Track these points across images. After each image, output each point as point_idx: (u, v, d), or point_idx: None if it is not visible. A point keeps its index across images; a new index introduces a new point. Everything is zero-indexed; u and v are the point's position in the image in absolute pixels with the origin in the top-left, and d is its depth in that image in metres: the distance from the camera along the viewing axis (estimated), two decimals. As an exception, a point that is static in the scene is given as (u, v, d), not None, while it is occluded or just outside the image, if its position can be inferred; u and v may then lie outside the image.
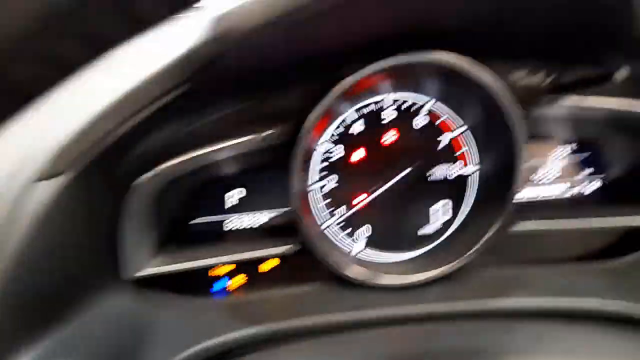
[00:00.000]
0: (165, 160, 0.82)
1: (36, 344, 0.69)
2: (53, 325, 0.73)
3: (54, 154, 0.65)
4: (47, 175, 0.66)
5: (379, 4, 0.69)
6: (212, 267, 0.97)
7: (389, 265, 1.02)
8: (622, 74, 0.81)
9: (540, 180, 1.11)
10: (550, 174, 1.11)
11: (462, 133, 1.03)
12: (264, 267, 1.04)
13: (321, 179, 1.02)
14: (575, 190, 1.12)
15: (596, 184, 1.11)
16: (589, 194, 1.11)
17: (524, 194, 1.11)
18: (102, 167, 0.74)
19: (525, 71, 0.96)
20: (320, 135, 0.99)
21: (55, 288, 0.73)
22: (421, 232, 1.06)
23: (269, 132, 0.84)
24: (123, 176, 0.81)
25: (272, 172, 1.00)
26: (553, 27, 0.86)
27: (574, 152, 1.10)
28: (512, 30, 0.89)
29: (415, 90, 1.01)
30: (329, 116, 0.95)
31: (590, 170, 1.11)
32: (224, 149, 0.84)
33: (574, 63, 0.94)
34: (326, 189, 1.02)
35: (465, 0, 0.76)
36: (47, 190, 0.66)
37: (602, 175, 1.11)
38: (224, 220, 1.05)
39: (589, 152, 1.10)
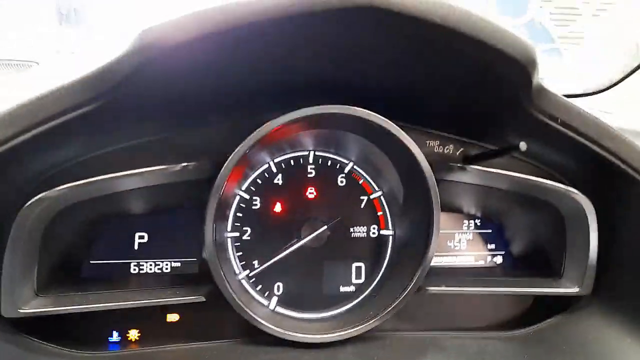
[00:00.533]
0: (64, 183, 0.77)
1: None
2: None
3: None
4: None
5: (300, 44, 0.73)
6: (107, 313, 0.89)
7: (305, 322, 0.98)
8: (522, 147, 0.88)
9: (453, 249, 1.15)
10: (460, 246, 1.15)
11: (379, 197, 1.06)
12: (170, 317, 0.97)
13: (236, 229, 0.99)
14: (481, 262, 1.16)
15: (499, 258, 1.16)
16: (498, 265, 1.16)
17: (439, 260, 1.13)
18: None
19: (438, 141, 1.04)
20: (239, 184, 0.99)
21: None
22: (339, 291, 1.04)
23: (184, 164, 0.82)
24: (12, 196, 0.75)
25: (183, 217, 0.97)
26: (460, 104, 0.95)
27: (478, 227, 1.17)
28: (425, 102, 0.97)
29: (336, 151, 1.05)
30: (248, 164, 0.95)
31: (492, 246, 1.17)
32: (132, 178, 0.80)
33: (480, 137, 1.03)
34: (240, 240, 1.00)
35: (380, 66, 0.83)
36: None
37: (503, 252, 1.17)
38: (129, 263, 0.98)
39: (492, 228, 1.17)
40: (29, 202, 0.75)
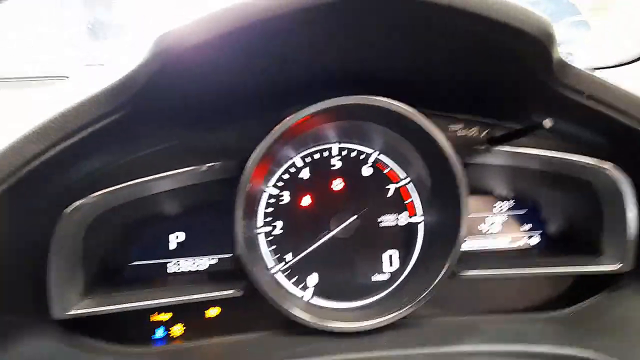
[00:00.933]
0: (99, 189, 0.81)
1: None
2: None
3: None
4: None
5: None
6: (150, 311, 0.93)
7: (340, 312, 1.00)
8: (546, 125, 0.86)
9: (486, 232, 1.14)
10: (493, 228, 1.14)
11: (406, 184, 1.06)
12: (209, 313, 1.00)
13: (266, 224, 1.02)
14: (518, 243, 1.14)
15: (536, 238, 1.14)
16: (534, 246, 1.14)
17: (472, 244, 1.12)
18: (28, 192, 0.72)
19: (461, 125, 1.03)
20: (266, 180, 1.01)
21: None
22: (371, 280, 1.05)
23: (210, 164, 0.85)
24: (52, 204, 0.79)
25: (215, 215, 1.00)
26: (481, 86, 0.94)
27: (511, 208, 1.15)
28: (445, 87, 0.96)
29: (360, 142, 1.05)
30: (273, 159, 0.97)
31: (529, 226, 1.15)
32: (162, 180, 0.83)
33: (504, 118, 1.01)
34: (272, 235, 1.02)
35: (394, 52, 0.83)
36: None
37: (539, 232, 1.15)
38: (167, 263, 1.02)
39: (526, 209, 1.14)
40: (67, 211, 0.79)
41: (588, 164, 0.97)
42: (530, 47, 0.75)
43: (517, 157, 1.00)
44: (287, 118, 0.86)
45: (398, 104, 0.89)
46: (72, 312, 0.82)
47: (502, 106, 1.00)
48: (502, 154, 0.99)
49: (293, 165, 1.03)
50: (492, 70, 0.88)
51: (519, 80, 0.88)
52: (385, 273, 1.05)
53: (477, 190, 1.09)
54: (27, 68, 1.40)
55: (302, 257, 1.01)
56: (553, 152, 0.98)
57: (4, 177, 0.68)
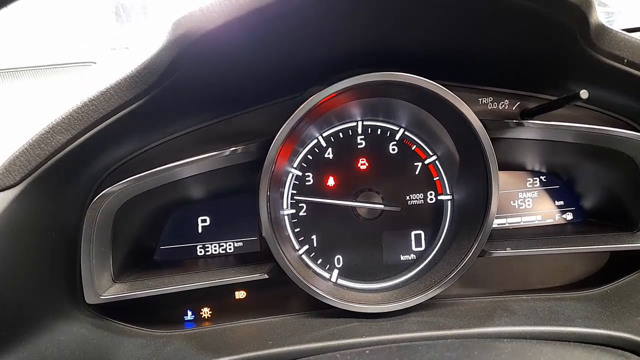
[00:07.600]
0: (125, 177, 0.81)
1: None
2: (4, 349, 0.70)
3: (2, 165, 0.66)
4: None
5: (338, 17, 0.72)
6: (179, 294, 0.94)
7: (367, 292, 0.99)
8: (582, 95, 0.82)
9: (518, 208, 1.10)
10: (524, 205, 1.10)
11: (434, 161, 1.03)
12: (236, 296, 1.01)
13: (292, 206, 1.01)
14: (550, 220, 1.10)
15: (569, 215, 1.10)
16: (568, 222, 1.10)
17: (503, 221, 1.09)
18: (58, 181, 0.73)
19: (491, 99, 0.99)
20: (290, 161, 1.00)
21: (7, 308, 0.71)
22: (398, 260, 1.03)
23: (234, 148, 0.84)
24: (81, 192, 0.80)
25: (241, 199, 1.00)
26: (512, 57, 0.89)
27: (544, 183, 1.11)
28: (475, 59, 0.92)
29: (386, 119, 1.03)
30: (297, 140, 0.96)
31: (561, 202, 1.11)
32: (187, 166, 0.83)
33: (537, 89, 0.97)
34: (297, 217, 1.01)
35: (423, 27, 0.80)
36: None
37: (573, 208, 1.11)
38: (197, 246, 1.03)
39: (559, 184, 1.10)
40: (95, 199, 0.80)
41: (628, 136, 0.91)
42: (566, 12, 0.71)
43: (551, 130, 0.95)
44: (311, 97, 0.84)
45: (422, 79, 0.86)
46: (105, 296, 0.84)
47: (535, 77, 0.95)
48: (535, 128, 0.95)
49: (317, 145, 1.01)
50: (524, 39, 0.83)
51: (554, 48, 0.83)
52: (413, 253, 1.04)
53: (508, 165, 1.05)
54: (56, 55, 1.42)
55: (328, 238, 1.01)
56: (590, 125, 0.93)
57: (33, 167, 0.70)
